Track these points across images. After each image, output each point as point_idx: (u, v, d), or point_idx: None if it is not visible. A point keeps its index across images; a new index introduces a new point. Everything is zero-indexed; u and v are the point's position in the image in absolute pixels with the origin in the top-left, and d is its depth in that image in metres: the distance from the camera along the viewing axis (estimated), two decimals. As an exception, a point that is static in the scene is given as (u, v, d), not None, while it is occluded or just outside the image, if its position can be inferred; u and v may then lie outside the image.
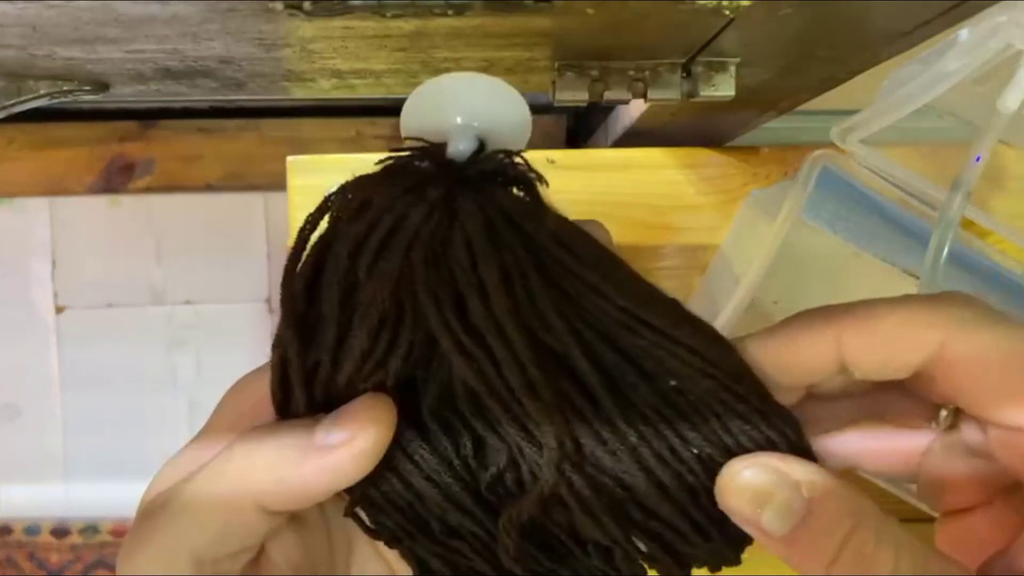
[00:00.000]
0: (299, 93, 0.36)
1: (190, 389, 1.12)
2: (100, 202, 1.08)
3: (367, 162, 0.25)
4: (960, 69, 0.38)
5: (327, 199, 0.26)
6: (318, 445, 0.24)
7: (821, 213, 0.48)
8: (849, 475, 0.26)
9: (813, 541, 0.23)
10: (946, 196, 0.41)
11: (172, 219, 1.10)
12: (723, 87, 0.33)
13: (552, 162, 0.51)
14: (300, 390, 0.25)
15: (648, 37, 0.30)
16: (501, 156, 0.26)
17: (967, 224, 0.46)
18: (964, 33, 0.37)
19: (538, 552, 0.25)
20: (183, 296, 1.11)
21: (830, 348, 0.24)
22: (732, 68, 0.33)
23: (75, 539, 1.11)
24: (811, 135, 0.50)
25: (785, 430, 0.24)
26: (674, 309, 0.25)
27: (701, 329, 0.25)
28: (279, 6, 0.25)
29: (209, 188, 1.05)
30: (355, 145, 1.01)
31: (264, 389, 0.25)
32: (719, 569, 0.25)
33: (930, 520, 0.28)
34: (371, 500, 0.26)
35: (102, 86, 0.33)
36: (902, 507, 0.43)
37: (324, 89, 0.35)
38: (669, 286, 0.26)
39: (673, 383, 0.24)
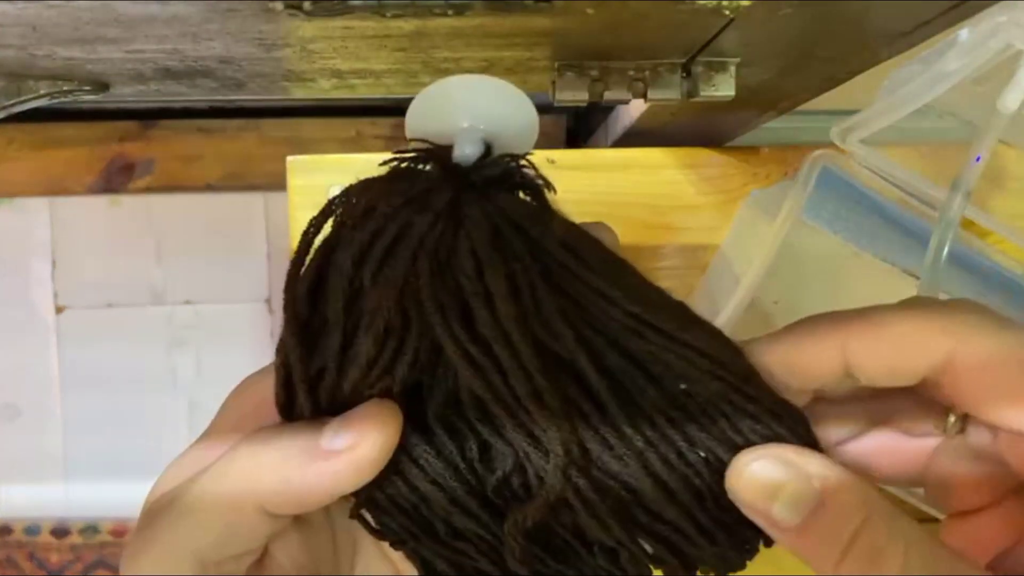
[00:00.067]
0: (299, 93, 0.36)
1: (190, 389, 1.12)
2: (100, 202, 1.08)
3: (367, 162, 0.25)
4: (960, 69, 0.38)
5: (331, 202, 0.25)
6: (323, 449, 0.24)
7: (821, 213, 0.48)
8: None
9: (824, 533, 0.22)
10: (946, 196, 0.41)
11: (172, 219, 1.10)
12: (723, 87, 0.33)
13: (552, 162, 0.51)
14: (304, 395, 0.25)
15: (648, 37, 0.30)
16: (508, 160, 0.26)
17: (967, 224, 0.46)
18: (964, 33, 0.37)
19: (544, 553, 0.25)
20: (183, 296, 1.11)
21: (836, 354, 0.24)
22: (732, 68, 0.33)
23: (75, 539, 1.11)
24: (811, 135, 0.50)
25: (796, 428, 0.24)
26: (681, 312, 0.25)
27: (709, 332, 0.25)
28: (279, 6, 0.25)
29: (209, 188, 1.05)
30: (355, 145, 1.01)
31: (267, 390, 0.25)
32: (725, 574, 0.25)
33: (932, 521, 0.28)
34: (376, 503, 0.26)
35: (102, 86, 0.33)
36: (903, 508, 0.43)
37: (324, 89, 0.35)
38: (669, 286, 0.26)
39: (683, 386, 0.24)
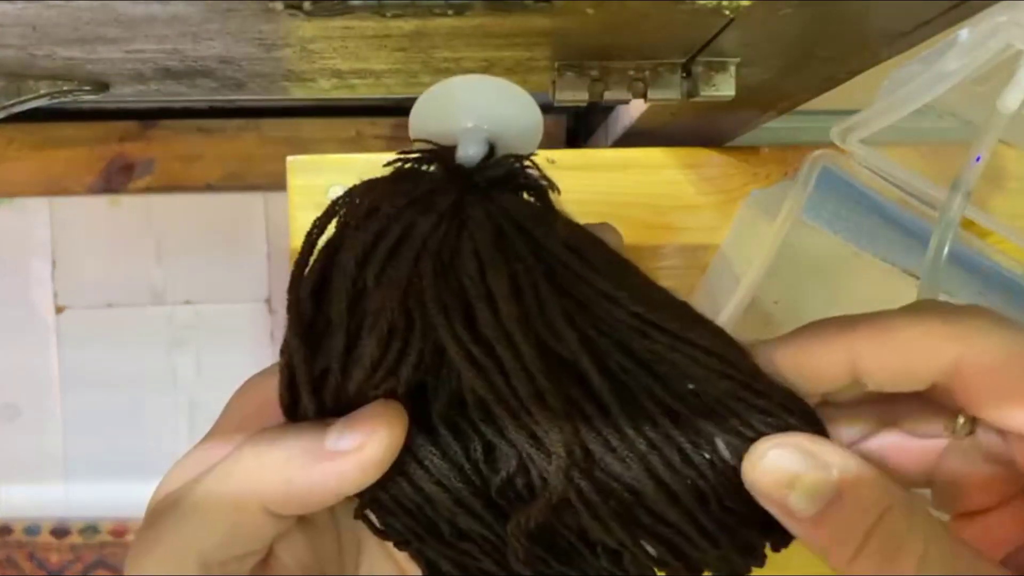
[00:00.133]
0: (299, 93, 0.36)
1: (190, 389, 1.12)
2: (100, 202, 1.08)
3: (367, 162, 0.25)
4: (960, 69, 0.38)
5: (334, 203, 0.25)
6: (328, 450, 0.24)
7: (821, 213, 0.48)
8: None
9: (842, 524, 0.22)
10: (946, 196, 0.41)
11: (172, 219, 1.10)
12: (723, 87, 0.33)
13: (552, 162, 0.51)
14: (308, 396, 0.25)
15: (648, 37, 0.30)
16: (511, 161, 0.26)
17: (967, 224, 0.46)
18: (964, 33, 0.37)
19: (547, 554, 0.25)
20: (183, 296, 1.11)
21: (844, 358, 0.24)
22: (732, 68, 0.33)
23: (75, 539, 1.11)
24: (811, 135, 0.50)
25: (808, 421, 0.24)
26: (686, 312, 0.25)
27: (713, 331, 0.25)
28: (279, 6, 0.25)
29: (209, 188, 1.05)
30: (355, 145, 1.01)
31: (271, 391, 0.25)
32: None
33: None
34: (380, 503, 0.26)
35: (102, 86, 0.33)
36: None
37: (324, 89, 0.35)
38: (669, 286, 0.26)
39: (691, 386, 0.24)
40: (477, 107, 0.26)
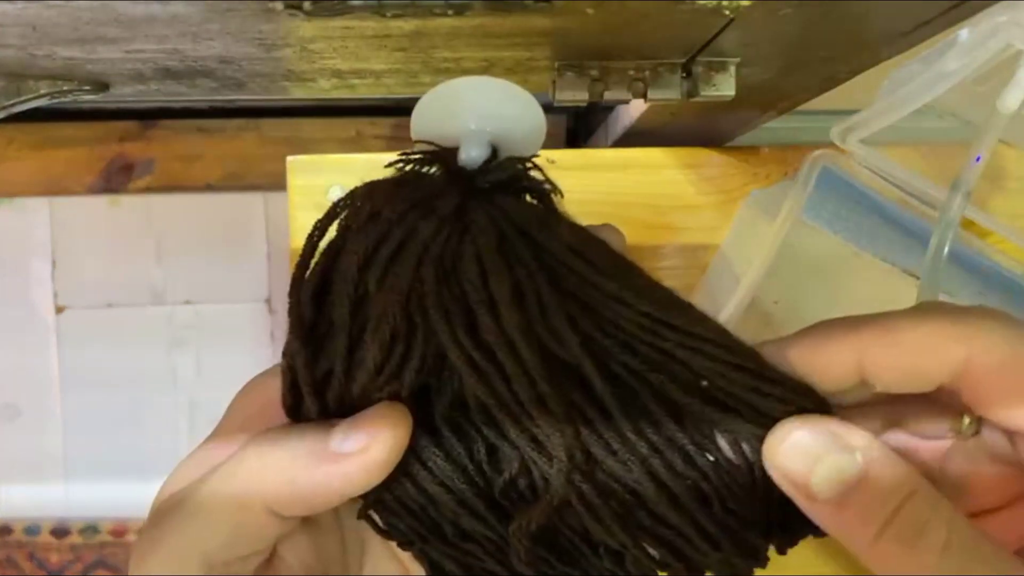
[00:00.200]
0: (299, 93, 0.36)
1: (190, 389, 1.12)
2: (100, 202, 1.08)
3: (367, 162, 0.25)
4: (960, 69, 0.38)
5: (336, 205, 0.25)
6: (333, 452, 0.24)
7: (821, 213, 0.48)
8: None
9: (864, 507, 0.22)
10: (946, 196, 0.41)
11: (172, 219, 1.10)
12: (723, 87, 0.33)
13: (552, 162, 0.51)
14: (311, 398, 0.25)
15: (648, 37, 0.30)
16: (514, 164, 0.26)
17: (967, 224, 0.46)
18: (964, 33, 0.37)
19: (550, 554, 0.25)
20: (183, 296, 1.11)
21: (852, 359, 0.24)
22: (732, 68, 0.33)
23: (75, 539, 1.11)
24: (811, 135, 0.50)
25: (823, 408, 0.24)
26: (692, 310, 0.25)
27: (720, 329, 0.25)
28: (279, 6, 0.25)
29: (209, 188, 1.05)
30: (355, 145, 1.01)
31: (274, 391, 0.25)
32: None
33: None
34: (384, 504, 0.26)
35: (102, 86, 0.33)
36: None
37: (324, 89, 0.35)
38: (669, 286, 0.26)
39: (704, 383, 0.24)
40: (480, 109, 0.26)
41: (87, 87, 0.32)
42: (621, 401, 0.24)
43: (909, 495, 0.22)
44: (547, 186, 0.26)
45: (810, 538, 0.25)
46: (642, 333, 0.24)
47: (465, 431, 0.25)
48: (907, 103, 0.40)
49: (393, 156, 0.26)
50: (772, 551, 0.25)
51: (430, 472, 0.25)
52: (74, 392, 1.12)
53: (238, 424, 0.26)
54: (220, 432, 0.26)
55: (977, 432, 0.25)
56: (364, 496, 0.25)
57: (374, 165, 0.26)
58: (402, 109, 1.00)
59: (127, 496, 1.11)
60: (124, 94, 0.34)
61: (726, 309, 0.44)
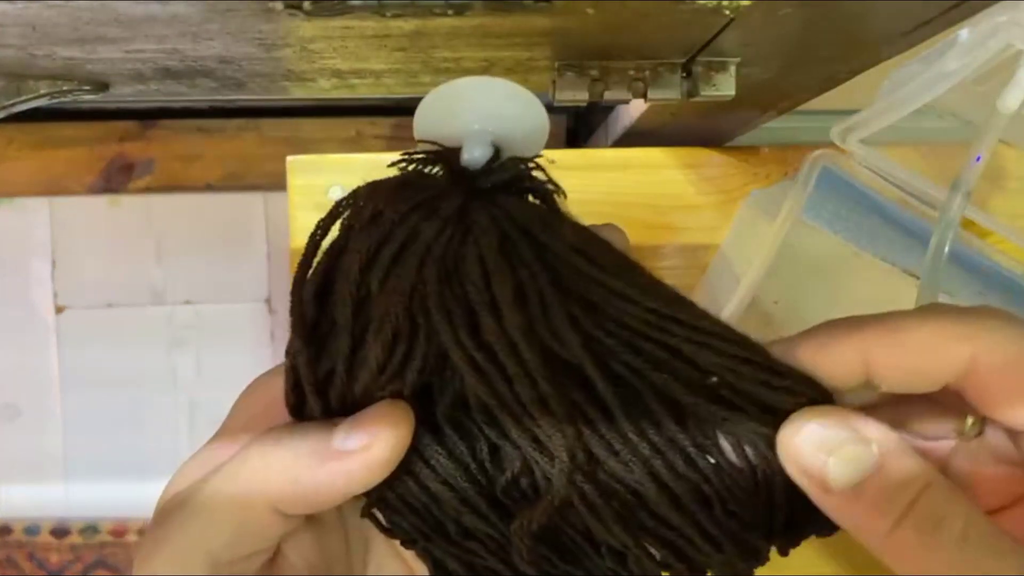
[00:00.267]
0: (299, 93, 0.36)
1: (190, 389, 1.12)
2: (100, 202, 1.08)
3: (367, 162, 0.25)
4: (960, 69, 0.38)
5: (338, 205, 0.26)
6: (335, 450, 0.24)
7: (821, 213, 0.48)
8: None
9: (881, 498, 0.22)
10: (946, 196, 0.41)
11: (172, 219, 1.10)
12: (723, 87, 0.33)
13: (552, 162, 0.51)
14: (314, 397, 0.25)
15: (648, 37, 0.30)
16: (517, 164, 0.26)
17: (967, 224, 0.46)
18: (964, 33, 0.37)
19: (552, 554, 0.25)
20: (183, 296, 1.11)
21: (857, 359, 0.24)
22: (732, 68, 0.33)
23: (75, 539, 1.11)
24: (811, 135, 0.50)
25: (831, 399, 0.24)
26: (696, 308, 0.25)
27: (725, 325, 0.25)
28: (279, 6, 0.25)
29: (209, 188, 1.05)
30: (355, 145, 1.01)
31: (277, 390, 0.26)
32: None
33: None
34: (387, 502, 0.26)
35: (102, 86, 0.33)
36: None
37: (324, 89, 0.35)
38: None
39: (714, 379, 0.24)
40: (483, 109, 0.26)
41: (87, 87, 0.32)
42: (623, 401, 0.24)
43: (926, 486, 0.22)
44: (550, 186, 0.26)
45: (812, 538, 0.25)
46: (648, 329, 0.24)
47: (467, 429, 0.25)
48: (907, 103, 0.40)
49: (393, 156, 0.26)
50: (774, 551, 0.25)
51: (432, 470, 0.25)
52: (74, 392, 1.12)
53: (242, 424, 0.26)
54: (224, 432, 0.26)
55: (980, 433, 0.25)
56: (367, 494, 0.25)
57: (374, 165, 0.26)
58: (402, 109, 1.01)
59: (127, 496, 1.11)
60: (124, 94, 0.34)
61: (726, 309, 0.44)
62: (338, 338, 0.25)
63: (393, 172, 0.26)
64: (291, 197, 0.51)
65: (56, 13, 0.25)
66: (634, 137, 0.54)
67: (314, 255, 0.25)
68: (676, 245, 0.52)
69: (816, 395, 0.24)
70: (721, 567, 0.24)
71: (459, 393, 0.25)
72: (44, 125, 1.03)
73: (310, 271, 0.25)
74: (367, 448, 0.24)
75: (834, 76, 0.36)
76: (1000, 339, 0.23)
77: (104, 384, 1.11)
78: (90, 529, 1.11)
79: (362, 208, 0.25)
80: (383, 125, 1.00)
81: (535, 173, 0.26)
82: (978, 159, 0.40)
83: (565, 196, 0.26)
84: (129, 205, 1.09)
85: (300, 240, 0.47)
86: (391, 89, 0.35)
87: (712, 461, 0.24)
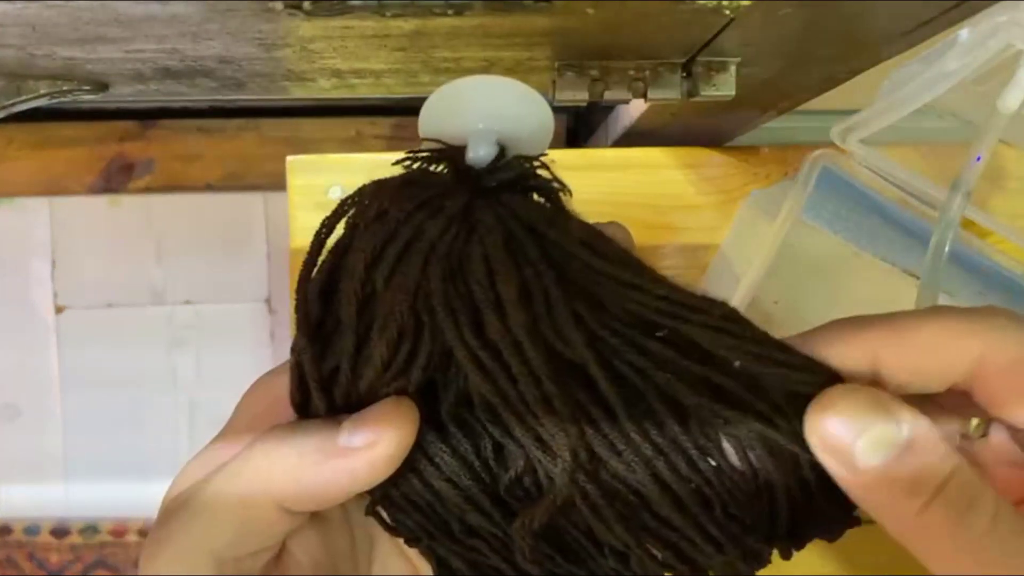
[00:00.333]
0: (299, 93, 0.36)
1: (190, 389, 1.12)
2: (100, 202, 1.08)
3: (367, 162, 0.25)
4: (960, 69, 0.38)
5: (343, 203, 0.26)
6: (340, 447, 0.24)
7: (821, 213, 0.48)
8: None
9: (910, 477, 0.22)
10: (946, 196, 0.41)
11: (172, 219, 1.10)
12: (723, 87, 0.33)
13: (552, 162, 0.51)
14: (318, 394, 0.25)
15: (648, 37, 0.30)
16: (522, 162, 0.26)
17: (967, 224, 0.46)
18: (964, 33, 0.37)
19: (555, 553, 0.25)
20: (183, 296, 1.11)
21: (865, 358, 0.24)
22: (732, 68, 0.33)
23: (75, 539, 1.11)
24: (811, 135, 0.50)
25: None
26: (705, 296, 0.25)
27: (735, 310, 0.25)
28: (279, 6, 0.25)
29: (209, 188, 1.05)
30: (355, 145, 1.01)
31: (281, 389, 0.26)
32: None
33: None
34: (391, 500, 0.26)
35: (102, 86, 0.33)
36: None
37: (324, 89, 0.35)
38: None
39: (737, 363, 0.24)
40: (487, 108, 0.26)
41: (87, 87, 0.32)
42: (626, 401, 0.24)
43: (957, 467, 0.22)
44: (555, 185, 0.26)
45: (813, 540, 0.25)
46: (661, 317, 0.24)
47: (471, 427, 0.25)
48: (907, 103, 0.40)
49: (393, 156, 0.26)
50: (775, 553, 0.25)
51: (436, 468, 0.25)
52: (74, 392, 1.12)
53: (245, 423, 0.26)
54: (227, 431, 0.27)
55: (985, 434, 0.25)
56: (372, 492, 0.25)
57: (374, 165, 0.26)
58: (402, 109, 1.01)
59: (127, 496, 1.11)
60: (124, 94, 0.34)
61: (726, 309, 0.44)
62: (343, 336, 0.25)
63: (398, 170, 0.26)
64: (291, 197, 0.51)
65: (56, 13, 0.25)
66: (634, 137, 0.54)
67: (319, 253, 0.25)
68: (676, 245, 0.52)
69: (833, 373, 0.24)
70: (722, 569, 0.24)
71: (463, 391, 0.25)
72: (44, 125, 1.03)
73: (315, 269, 0.25)
74: (372, 445, 0.24)
75: (834, 76, 0.36)
76: (1007, 338, 0.23)
77: (104, 384, 1.11)
78: (90, 529, 1.11)
79: (367, 206, 0.25)
80: (383, 125, 1.00)
81: (540, 171, 0.26)
82: (978, 159, 0.40)
83: (570, 194, 0.26)
84: (129, 205, 1.09)
85: (300, 240, 0.47)
86: (391, 89, 0.35)
87: (714, 463, 0.24)
